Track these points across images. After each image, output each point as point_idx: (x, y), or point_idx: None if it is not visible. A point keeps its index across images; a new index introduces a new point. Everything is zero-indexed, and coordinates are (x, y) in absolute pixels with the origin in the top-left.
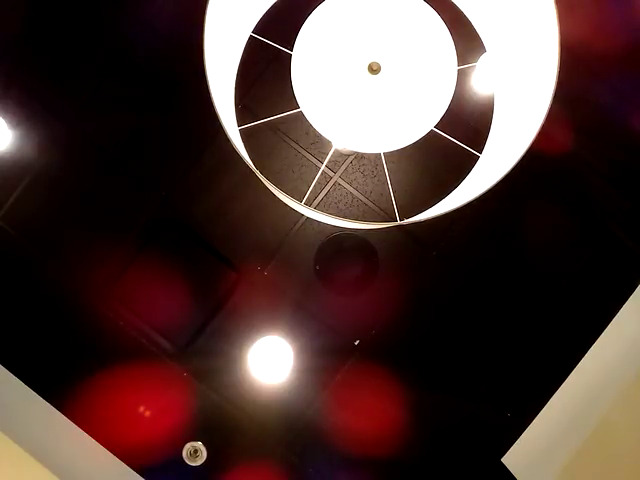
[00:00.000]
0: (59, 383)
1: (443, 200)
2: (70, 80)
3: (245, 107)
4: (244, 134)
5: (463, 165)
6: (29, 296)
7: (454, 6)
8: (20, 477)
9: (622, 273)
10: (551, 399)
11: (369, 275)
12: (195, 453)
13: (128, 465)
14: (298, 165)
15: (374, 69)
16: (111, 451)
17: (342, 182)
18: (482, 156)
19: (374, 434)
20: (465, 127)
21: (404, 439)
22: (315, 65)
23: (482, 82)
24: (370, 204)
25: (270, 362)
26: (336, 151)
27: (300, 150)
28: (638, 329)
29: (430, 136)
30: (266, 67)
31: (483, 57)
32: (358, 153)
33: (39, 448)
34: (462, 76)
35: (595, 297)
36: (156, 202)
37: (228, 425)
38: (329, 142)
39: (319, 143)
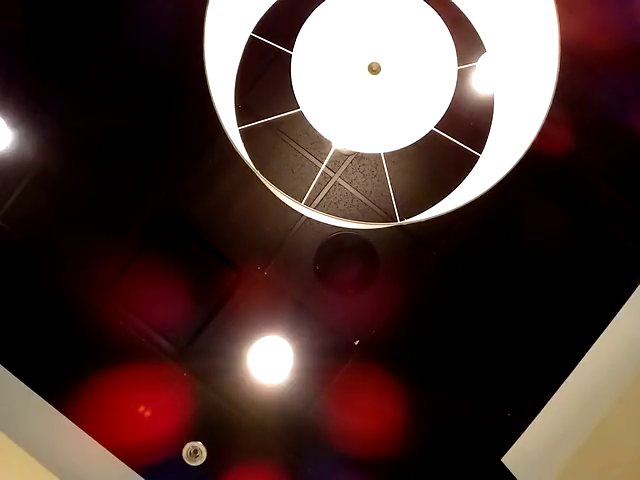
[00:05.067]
0: (59, 383)
1: (443, 200)
2: (70, 80)
3: (245, 107)
4: (244, 134)
5: (463, 165)
6: (29, 296)
7: (454, 6)
8: (20, 477)
9: (622, 273)
10: (551, 399)
11: (369, 275)
12: (195, 453)
13: (128, 465)
14: (298, 165)
15: (374, 69)
16: (111, 451)
17: (342, 182)
18: (482, 156)
19: (374, 434)
20: (465, 127)
21: (404, 439)
22: (315, 65)
23: (482, 82)
24: (370, 204)
25: (270, 362)
26: (336, 151)
27: (300, 150)
28: (638, 329)
29: (430, 136)
30: (266, 67)
31: (483, 57)
32: (358, 153)
33: (39, 448)
34: (462, 76)
35: (595, 297)
36: (156, 202)
37: (228, 425)
38: (329, 142)
39: (319, 143)
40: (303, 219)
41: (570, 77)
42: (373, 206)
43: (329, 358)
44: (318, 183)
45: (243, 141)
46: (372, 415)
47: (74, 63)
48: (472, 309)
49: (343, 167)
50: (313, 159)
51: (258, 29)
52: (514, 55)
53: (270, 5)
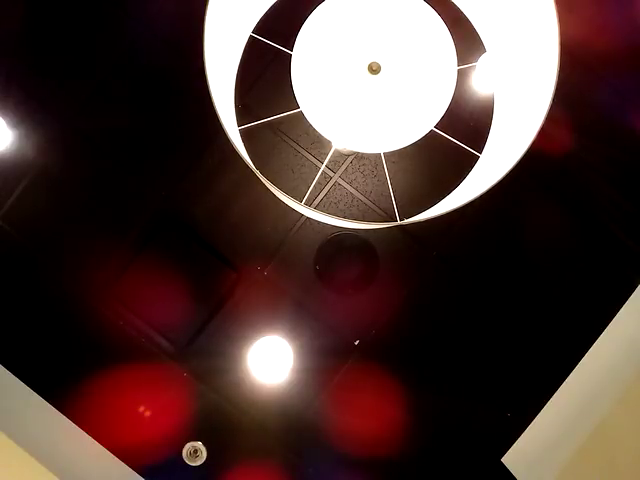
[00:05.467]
0: (59, 383)
1: (443, 200)
2: (70, 80)
3: (245, 107)
4: (244, 134)
5: (463, 165)
6: (29, 296)
7: (454, 6)
8: (20, 477)
9: (622, 273)
10: (551, 399)
11: (369, 275)
12: (195, 453)
13: (128, 465)
14: (298, 165)
15: (374, 69)
16: (111, 451)
17: (342, 182)
18: (482, 156)
19: (374, 434)
20: (465, 127)
21: (404, 439)
22: (315, 65)
23: (482, 82)
24: (370, 204)
25: (270, 362)
26: (336, 151)
27: (300, 150)
28: (638, 329)
29: (430, 136)
30: (266, 67)
31: (483, 57)
32: (358, 153)
33: (39, 448)
34: (462, 76)
35: (595, 297)
36: (156, 202)
37: (228, 425)
38: (329, 142)
39: (319, 143)
40: (303, 219)
41: (570, 77)
42: (373, 206)
43: (329, 358)
44: (318, 183)
45: (243, 141)
46: (372, 415)
47: (74, 63)
48: (472, 309)
49: (343, 167)
50: (313, 159)
51: (258, 29)
52: (514, 55)
53: (270, 5)
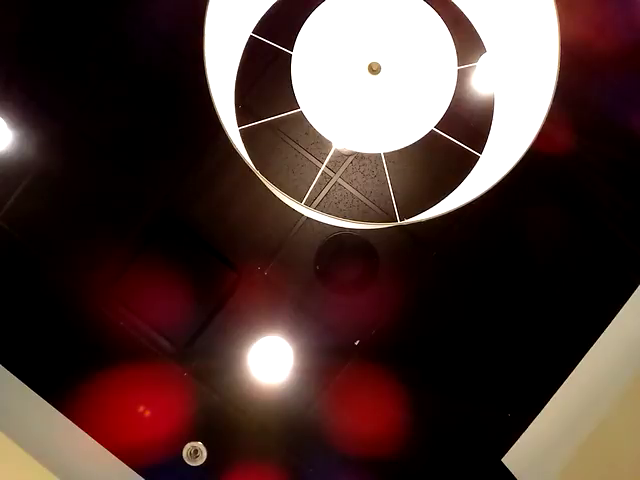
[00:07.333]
0: (59, 383)
1: (443, 200)
2: (70, 80)
3: (245, 107)
4: (244, 134)
5: (463, 165)
6: (29, 296)
7: (454, 6)
8: (20, 477)
9: (622, 273)
10: (551, 399)
11: (369, 275)
12: (195, 453)
13: (128, 465)
14: (298, 165)
15: (374, 69)
16: (111, 451)
17: (342, 182)
18: (482, 156)
19: (374, 434)
20: (465, 127)
21: (404, 439)
22: (315, 65)
23: (482, 82)
24: (370, 204)
25: (270, 362)
26: (336, 151)
27: (300, 150)
28: (638, 329)
29: (430, 136)
30: (266, 67)
31: (483, 57)
32: (358, 153)
33: (39, 448)
34: (462, 76)
35: (595, 297)
36: (156, 202)
37: (228, 425)
38: (329, 142)
39: (319, 143)
40: (303, 219)
41: (570, 77)
42: (373, 206)
43: (329, 358)
44: (318, 183)
45: (243, 141)
46: (372, 415)
47: (74, 63)
48: (472, 309)
49: (343, 167)
50: (313, 159)
51: (258, 29)
52: (514, 55)
53: (270, 5)
